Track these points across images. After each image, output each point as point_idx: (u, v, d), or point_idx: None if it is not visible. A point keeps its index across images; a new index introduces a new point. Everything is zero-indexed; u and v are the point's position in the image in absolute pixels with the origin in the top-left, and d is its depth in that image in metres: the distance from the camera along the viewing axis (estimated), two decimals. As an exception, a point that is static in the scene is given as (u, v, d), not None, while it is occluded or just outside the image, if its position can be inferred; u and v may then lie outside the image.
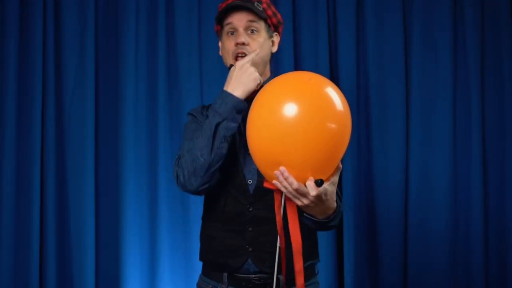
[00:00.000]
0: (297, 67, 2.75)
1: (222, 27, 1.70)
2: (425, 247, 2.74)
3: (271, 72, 1.75)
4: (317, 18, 2.76)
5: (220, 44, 1.74)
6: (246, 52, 1.63)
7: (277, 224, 1.49)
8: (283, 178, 1.35)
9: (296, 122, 1.28)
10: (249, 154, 1.47)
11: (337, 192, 1.52)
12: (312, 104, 1.30)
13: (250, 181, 1.63)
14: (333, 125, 1.31)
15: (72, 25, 2.67)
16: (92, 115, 2.66)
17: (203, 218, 1.75)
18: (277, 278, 1.54)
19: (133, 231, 2.65)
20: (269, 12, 1.70)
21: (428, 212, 2.76)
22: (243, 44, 1.63)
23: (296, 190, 1.36)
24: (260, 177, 1.56)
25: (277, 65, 2.67)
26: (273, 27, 1.72)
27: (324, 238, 2.61)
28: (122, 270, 2.63)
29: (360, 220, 2.77)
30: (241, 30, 1.64)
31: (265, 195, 1.57)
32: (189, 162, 1.55)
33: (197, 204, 2.50)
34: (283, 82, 1.38)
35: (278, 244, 1.51)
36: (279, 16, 1.74)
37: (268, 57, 1.70)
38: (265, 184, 1.44)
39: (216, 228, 1.67)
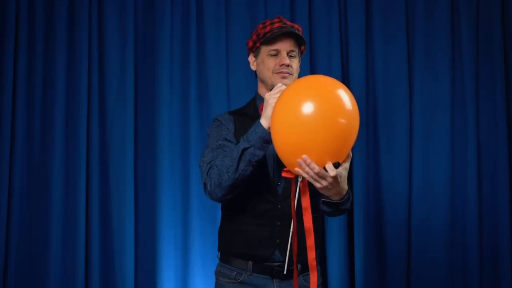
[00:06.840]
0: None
1: (261, 45, 1.84)
2: (426, 240, 2.92)
3: None
4: (330, 36, 2.98)
5: (252, 59, 1.89)
6: (290, 72, 1.81)
7: (292, 208, 1.64)
8: (306, 165, 1.50)
9: (315, 117, 1.48)
10: (279, 162, 1.66)
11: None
12: (328, 102, 1.51)
13: (279, 183, 1.82)
14: (343, 120, 1.51)
15: (114, 42, 2.91)
16: (132, 121, 2.88)
17: (227, 215, 1.89)
18: (291, 265, 1.71)
19: (168, 225, 2.82)
20: (304, 40, 1.87)
21: (429, 211, 2.93)
22: (288, 65, 1.81)
23: (317, 173, 1.51)
24: (288, 180, 1.75)
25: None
26: (301, 53, 1.90)
27: (336, 233, 2.87)
28: (158, 262, 2.80)
29: (369, 216, 2.95)
30: (284, 53, 1.81)
31: (290, 195, 1.73)
32: (216, 175, 1.71)
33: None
34: (304, 83, 1.58)
35: (291, 228, 1.67)
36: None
37: None
38: (284, 174, 1.60)
39: (246, 223, 1.82)
